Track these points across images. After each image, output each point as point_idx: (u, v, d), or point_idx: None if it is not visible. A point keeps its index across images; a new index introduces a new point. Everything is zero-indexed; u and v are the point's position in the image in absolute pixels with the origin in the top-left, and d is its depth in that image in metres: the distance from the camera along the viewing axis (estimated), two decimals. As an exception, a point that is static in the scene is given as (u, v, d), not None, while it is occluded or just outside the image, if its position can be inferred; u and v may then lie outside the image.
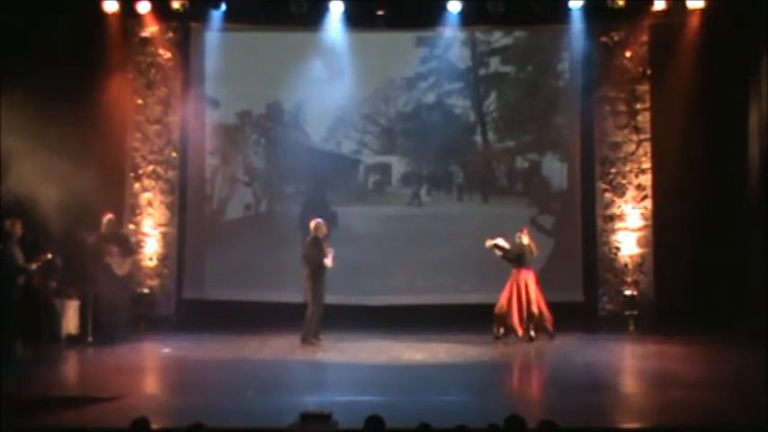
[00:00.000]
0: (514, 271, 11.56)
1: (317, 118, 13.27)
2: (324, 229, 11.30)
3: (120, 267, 11.73)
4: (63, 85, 11.49)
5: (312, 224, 11.35)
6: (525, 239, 11.64)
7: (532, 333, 11.42)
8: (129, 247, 12.14)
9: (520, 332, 11.40)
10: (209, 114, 13.32)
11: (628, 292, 12.66)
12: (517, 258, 11.55)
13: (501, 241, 11.55)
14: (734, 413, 7.56)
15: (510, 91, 13.38)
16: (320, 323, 11.26)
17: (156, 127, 13.05)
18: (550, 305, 11.58)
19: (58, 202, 10.95)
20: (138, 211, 12.97)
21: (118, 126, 12.70)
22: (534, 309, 11.37)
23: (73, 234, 11.34)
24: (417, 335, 11.61)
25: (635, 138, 12.91)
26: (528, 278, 11.51)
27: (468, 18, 12.79)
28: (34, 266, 10.65)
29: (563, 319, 12.26)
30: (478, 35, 13.32)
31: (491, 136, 13.34)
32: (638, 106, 12.91)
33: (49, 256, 10.87)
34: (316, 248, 11.13)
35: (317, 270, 11.11)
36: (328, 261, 11.08)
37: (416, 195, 13.33)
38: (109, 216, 11.78)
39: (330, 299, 11.44)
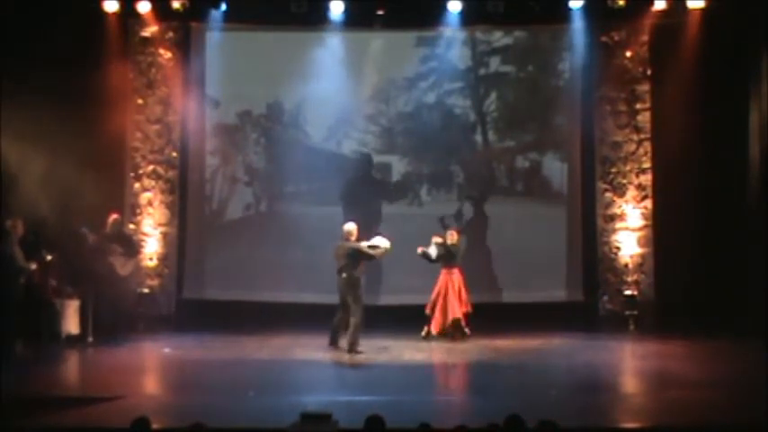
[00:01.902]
0: (444, 270, 11.65)
1: (317, 118, 13.26)
2: (355, 233, 10.88)
3: (123, 268, 11.72)
4: (63, 85, 11.47)
5: (345, 229, 10.92)
6: (455, 239, 11.77)
7: (467, 331, 11.57)
8: (133, 248, 12.13)
9: (435, 330, 11.52)
10: (209, 114, 13.32)
11: (628, 292, 12.65)
12: (447, 257, 11.63)
13: (432, 246, 11.63)
14: (734, 413, 7.58)
15: (510, 91, 13.38)
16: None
17: (156, 127, 13.06)
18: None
19: (58, 201, 10.94)
20: (138, 211, 12.97)
21: (118, 126, 12.69)
22: (465, 308, 11.54)
23: (73, 233, 11.34)
24: (417, 335, 11.62)
25: (635, 137, 12.91)
26: (458, 277, 11.61)
27: (468, 18, 12.79)
28: (34, 266, 10.66)
29: (563, 319, 12.31)
30: (478, 35, 13.31)
31: (491, 136, 13.34)
32: (638, 106, 12.91)
33: (49, 257, 10.85)
34: (350, 264, 10.74)
35: (353, 283, 10.82)
36: (386, 242, 10.95)
37: (416, 195, 13.33)
38: (114, 216, 11.77)
39: (330, 298, 11.39)
